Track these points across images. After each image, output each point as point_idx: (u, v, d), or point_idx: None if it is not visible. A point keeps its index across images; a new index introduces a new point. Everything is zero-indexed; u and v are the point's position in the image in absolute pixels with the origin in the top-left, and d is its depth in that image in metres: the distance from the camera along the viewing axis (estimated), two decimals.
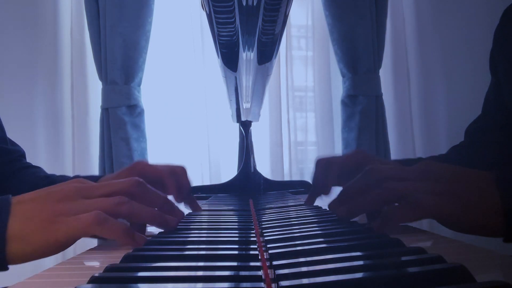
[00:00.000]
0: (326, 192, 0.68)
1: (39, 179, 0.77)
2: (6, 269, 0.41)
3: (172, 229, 0.48)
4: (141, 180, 0.48)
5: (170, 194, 0.68)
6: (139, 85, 1.58)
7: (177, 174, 0.69)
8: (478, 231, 0.42)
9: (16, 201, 0.43)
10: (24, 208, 0.42)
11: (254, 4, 0.44)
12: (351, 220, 0.48)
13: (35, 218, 0.41)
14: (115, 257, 0.37)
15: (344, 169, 0.66)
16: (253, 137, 1.14)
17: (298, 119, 1.77)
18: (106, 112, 1.56)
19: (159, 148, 1.67)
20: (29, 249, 0.40)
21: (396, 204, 0.45)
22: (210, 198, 1.00)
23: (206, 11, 0.47)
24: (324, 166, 0.67)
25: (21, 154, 0.83)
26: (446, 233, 0.43)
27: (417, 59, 1.72)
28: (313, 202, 0.70)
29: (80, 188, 0.45)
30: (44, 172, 0.82)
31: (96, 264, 0.35)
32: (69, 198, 0.43)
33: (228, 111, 1.21)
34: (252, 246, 0.36)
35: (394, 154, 1.73)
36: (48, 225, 0.41)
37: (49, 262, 0.39)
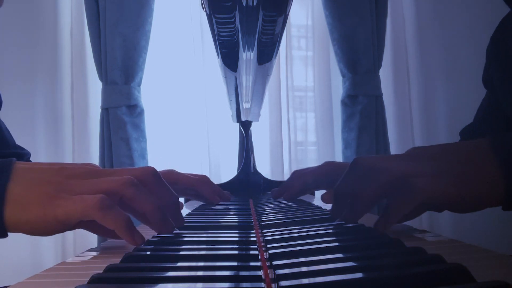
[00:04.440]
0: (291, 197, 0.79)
1: None
2: (5, 234, 0.39)
3: (167, 233, 0.43)
4: (157, 171, 0.45)
5: (209, 199, 0.76)
6: (139, 85, 1.58)
7: (206, 182, 0.76)
8: (478, 204, 0.39)
9: (22, 167, 0.40)
10: (29, 175, 0.40)
11: (254, 4, 0.44)
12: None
13: (37, 188, 0.39)
14: (115, 257, 0.37)
15: (315, 179, 0.76)
16: (253, 137, 1.14)
17: (298, 119, 1.77)
18: (106, 112, 1.56)
19: (159, 148, 1.67)
20: (24, 218, 0.38)
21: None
22: None
23: (206, 11, 0.47)
24: (298, 176, 0.78)
25: (29, 158, 0.83)
26: (446, 232, 0.42)
27: (417, 59, 1.72)
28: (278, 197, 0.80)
29: (92, 170, 0.43)
30: None
31: (96, 264, 0.35)
32: (78, 176, 0.41)
33: (228, 111, 1.21)
34: (252, 246, 0.36)
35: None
36: (49, 199, 0.38)
37: (49, 262, 0.38)
